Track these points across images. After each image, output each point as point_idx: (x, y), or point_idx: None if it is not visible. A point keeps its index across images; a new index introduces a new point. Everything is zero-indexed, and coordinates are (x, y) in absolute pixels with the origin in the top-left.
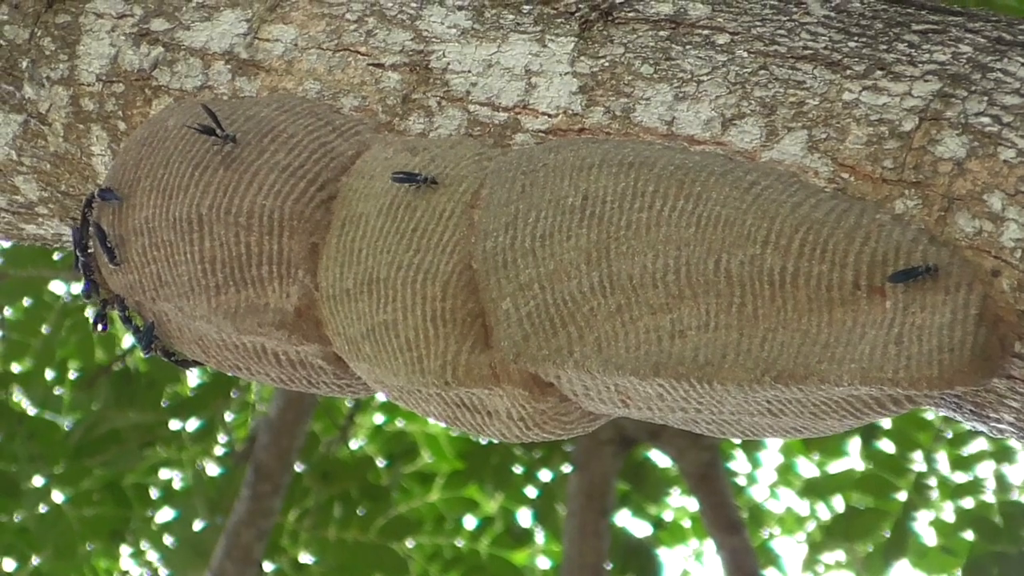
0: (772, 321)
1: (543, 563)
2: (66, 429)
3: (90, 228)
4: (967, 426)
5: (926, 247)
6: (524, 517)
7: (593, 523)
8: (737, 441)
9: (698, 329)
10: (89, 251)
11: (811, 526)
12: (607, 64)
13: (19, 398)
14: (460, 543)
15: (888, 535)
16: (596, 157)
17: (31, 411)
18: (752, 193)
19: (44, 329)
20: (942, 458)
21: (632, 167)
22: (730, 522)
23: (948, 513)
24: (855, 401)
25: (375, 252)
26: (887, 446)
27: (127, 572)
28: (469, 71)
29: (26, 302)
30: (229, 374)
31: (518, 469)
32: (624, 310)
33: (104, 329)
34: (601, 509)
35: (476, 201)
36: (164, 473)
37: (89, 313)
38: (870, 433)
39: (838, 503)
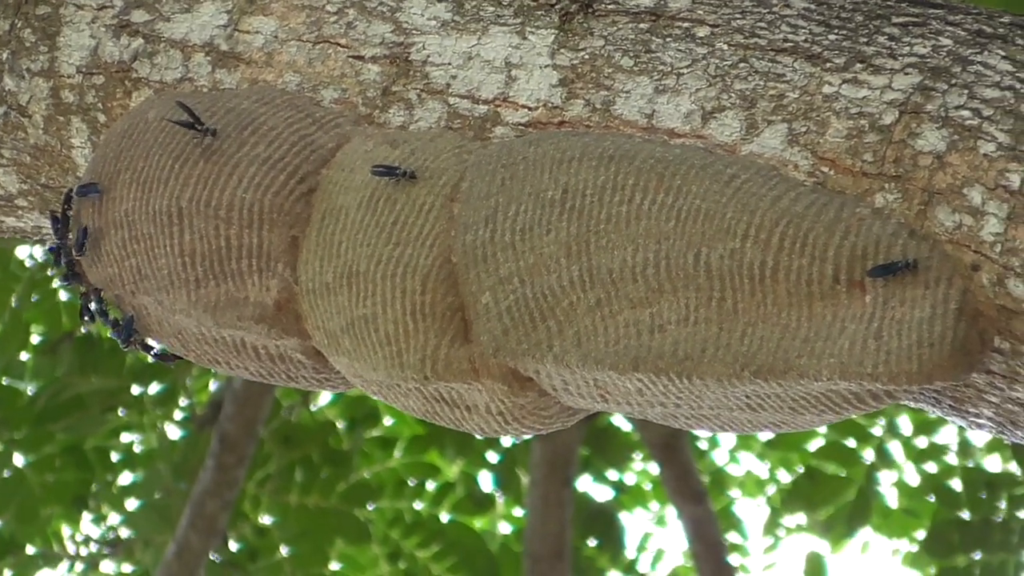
0: (752, 315)
1: (504, 528)
2: (29, 394)
3: (70, 222)
4: (947, 420)
5: (906, 241)
6: (485, 482)
7: (556, 493)
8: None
9: (678, 323)
10: (69, 244)
11: (772, 490)
12: (587, 57)
13: None
14: (420, 507)
15: (851, 500)
16: (576, 150)
17: None
18: (732, 187)
19: (13, 301)
20: (905, 422)
21: (612, 160)
22: (693, 492)
23: (911, 476)
24: (834, 396)
25: (355, 245)
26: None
27: (88, 536)
28: (449, 63)
29: None
30: (207, 367)
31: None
32: (604, 304)
33: (91, 321)
34: (564, 479)
35: (456, 194)
36: (126, 437)
37: (57, 282)
38: None
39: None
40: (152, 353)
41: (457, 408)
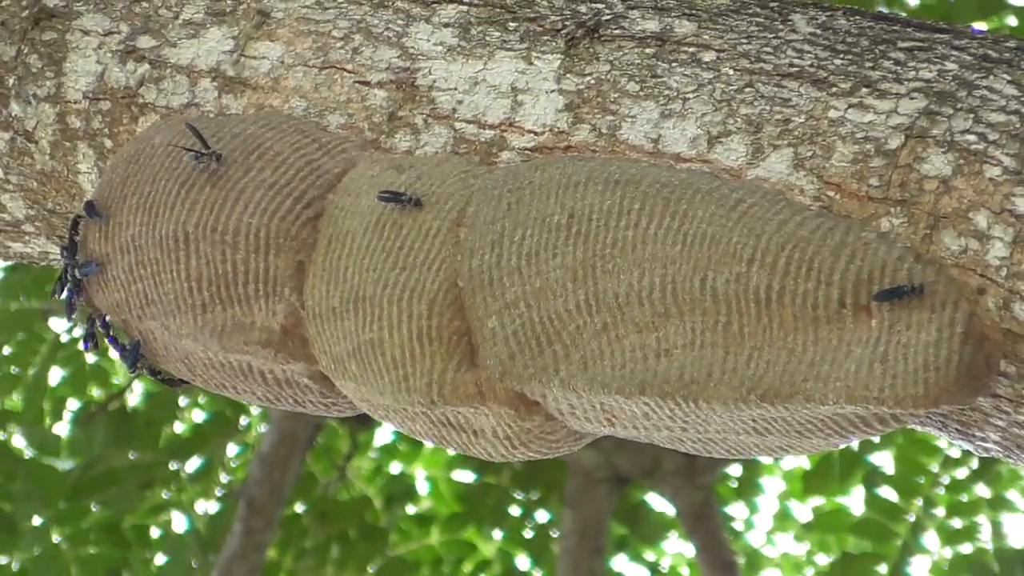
0: (758, 339)
1: None
2: (64, 469)
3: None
4: (954, 444)
5: (912, 265)
6: (522, 563)
7: (587, 562)
8: (733, 476)
9: (684, 347)
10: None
11: (810, 572)
12: (593, 81)
13: (17, 439)
14: None
15: None
16: (582, 175)
17: (28, 453)
18: (738, 211)
19: (37, 364)
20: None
21: (618, 185)
22: (724, 562)
23: (945, 559)
24: (841, 419)
25: (361, 270)
26: (887, 493)
27: None
28: (455, 88)
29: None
30: (215, 393)
31: (515, 511)
32: (610, 328)
33: (96, 347)
34: (594, 548)
35: (462, 219)
36: (163, 516)
37: (82, 345)
38: (871, 480)
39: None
40: (159, 378)
41: (464, 432)
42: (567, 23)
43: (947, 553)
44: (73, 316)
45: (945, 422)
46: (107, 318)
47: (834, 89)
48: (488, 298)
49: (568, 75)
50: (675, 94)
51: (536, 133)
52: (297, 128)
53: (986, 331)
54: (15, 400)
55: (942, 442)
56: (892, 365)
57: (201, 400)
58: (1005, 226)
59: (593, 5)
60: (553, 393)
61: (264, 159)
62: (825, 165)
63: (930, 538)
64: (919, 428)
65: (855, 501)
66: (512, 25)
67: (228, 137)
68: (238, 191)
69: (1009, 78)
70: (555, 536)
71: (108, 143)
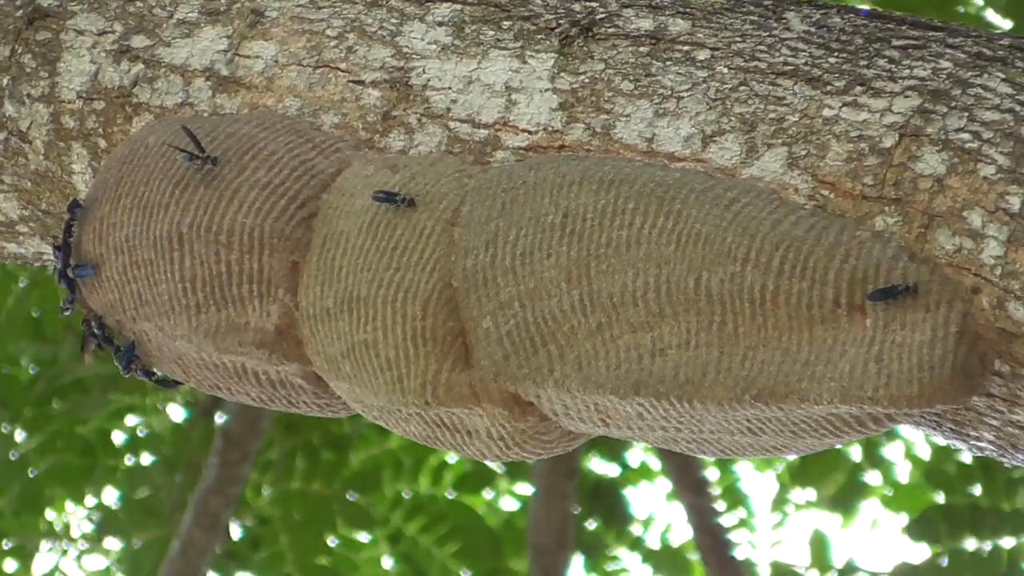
0: (752, 339)
1: (510, 504)
2: (31, 373)
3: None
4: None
5: (906, 265)
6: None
7: (560, 484)
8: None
9: (678, 347)
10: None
11: (780, 466)
12: (587, 80)
13: None
14: (420, 489)
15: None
16: (576, 174)
17: None
18: (732, 210)
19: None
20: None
21: (612, 184)
22: (695, 482)
23: (923, 450)
24: (835, 419)
25: (355, 270)
26: None
27: (90, 516)
28: (449, 88)
29: None
30: (208, 393)
31: None
32: (604, 328)
33: (101, 348)
34: (568, 471)
35: (456, 219)
36: (129, 421)
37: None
38: None
39: None
40: (153, 379)
41: (458, 433)
42: (561, 21)
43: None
44: (68, 313)
45: (939, 421)
46: (102, 319)
47: (828, 87)
48: (482, 298)
49: (562, 74)
50: (669, 93)
51: (530, 132)
52: (291, 128)
53: (980, 330)
54: None
55: None
56: (887, 365)
57: None
58: (999, 225)
59: (587, 3)
60: (547, 393)
61: (258, 159)
62: (819, 164)
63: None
64: (913, 428)
65: None
66: (506, 24)
67: (222, 137)
68: (232, 191)
69: (1003, 76)
70: None
71: (102, 143)
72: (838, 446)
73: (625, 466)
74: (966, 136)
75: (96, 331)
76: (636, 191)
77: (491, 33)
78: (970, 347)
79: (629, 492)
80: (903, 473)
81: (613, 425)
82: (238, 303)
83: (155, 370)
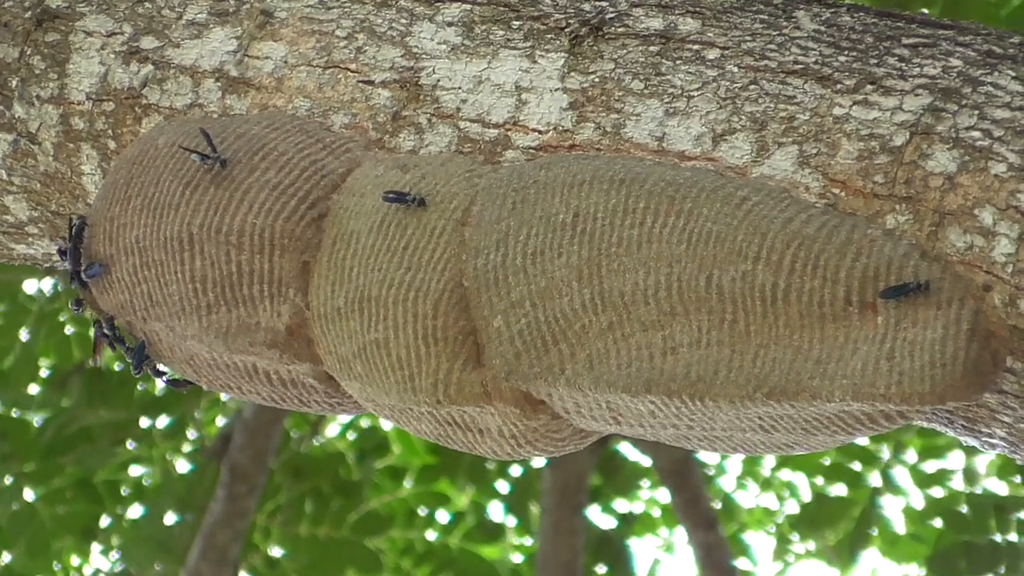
0: (764, 337)
1: (516, 558)
2: (36, 426)
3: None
4: (960, 440)
5: (917, 262)
6: (496, 512)
7: (568, 520)
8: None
9: (690, 346)
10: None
11: (781, 519)
12: (597, 80)
13: None
14: (432, 537)
15: (855, 522)
16: (587, 174)
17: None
18: (743, 209)
19: (23, 335)
20: (911, 447)
21: (623, 183)
22: (704, 518)
23: (917, 501)
24: (847, 417)
25: (366, 270)
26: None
27: (99, 570)
28: (459, 87)
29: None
30: (220, 393)
31: (490, 463)
32: (616, 327)
33: (112, 348)
34: (575, 505)
35: (467, 218)
36: (135, 470)
37: (65, 315)
38: None
39: (806, 494)
40: (164, 379)
41: (470, 431)
42: (571, 21)
43: (919, 496)
44: (78, 312)
45: (951, 418)
46: (113, 320)
47: (839, 86)
48: (493, 297)
49: (572, 73)
50: (679, 92)
51: (540, 132)
52: (301, 128)
53: (992, 327)
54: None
55: None
56: (898, 362)
57: None
58: (1011, 222)
59: (597, 3)
60: (559, 392)
61: (268, 160)
62: (830, 162)
63: (903, 480)
64: (925, 424)
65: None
66: (516, 24)
67: (232, 138)
68: (242, 192)
69: (1014, 74)
70: (529, 483)
71: (112, 144)
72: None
73: (627, 519)
74: (977, 134)
75: (107, 331)
76: (647, 190)
77: (501, 33)
78: (982, 344)
79: (634, 544)
80: (899, 525)
81: (624, 423)
82: (249, 303)
83: (166, 370)
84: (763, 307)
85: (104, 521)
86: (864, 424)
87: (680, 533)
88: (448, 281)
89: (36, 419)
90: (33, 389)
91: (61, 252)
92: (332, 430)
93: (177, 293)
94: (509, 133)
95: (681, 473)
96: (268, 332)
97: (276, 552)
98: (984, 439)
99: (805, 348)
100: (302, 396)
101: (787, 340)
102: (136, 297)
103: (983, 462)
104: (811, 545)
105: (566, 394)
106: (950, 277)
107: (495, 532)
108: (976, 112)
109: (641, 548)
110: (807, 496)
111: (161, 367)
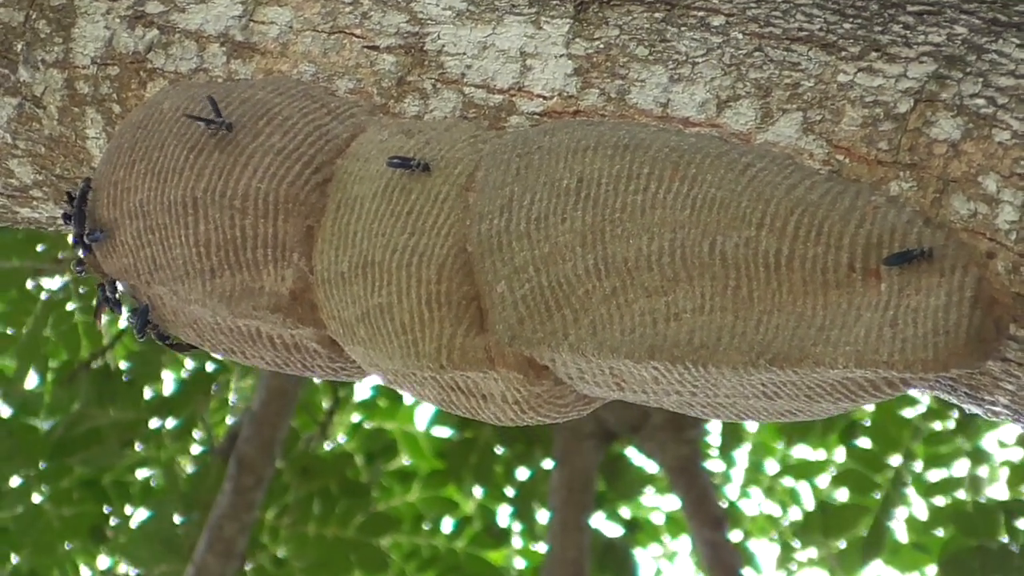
0: (767, 304)
1: (520, 563)
2: (45, 429)
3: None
4: (964, 408)
5: (921, 229)
6: (502, 517)
7: (575, 518)
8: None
9: (693, 312)
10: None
11: (785, 523)
12: (602, 46)
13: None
14: (438, 542)
15: (866, 533)
16: (591, 139)
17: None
18: (747, 175)
19: (25, 327)
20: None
21: (627, 149)
22: (712, 516)
23: (921, 511)
24: (850, 384)
25: (370, 235)
26: (865, 443)
27: (106, 570)
28: (464, 53)
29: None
30: (223, 357)
31: (497, 467)
32: (619, 293)
33: (113, 311)
34: (583, 504)
35: (471, 184)
36: (143, 472)
37: (72, 306)
38: (850, 432)
39: (809, 502)
40: (167, 343)
41: (473, 397)
42: None
43: (922, 505)
44: (83, 274)
45: (954, 386)
46: (116, 284)
47: (843, 53)
48: (497, 263)
49: (577, 39)
50: (684, 58)
51: (545, 98)
52: (306, 93)
53: (995, 295)
54: (8, 362)
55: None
56: (902, 329)
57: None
58: (1014, 190)
59: None
60: (562, 358)
61: (273, 124)
62: (834, 129)
63: (910, 490)
64: (928, 392)
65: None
66: None
67: (237, 102)
68: (247, 156)
69: (1018, 42)
70: (536, 487)
71: (116, 108)
72: (852, 409)
73: (632, 526)
74: (981, 101)
75: (109, 295)
76: (651, 156)
77: None
78: (985, 312)
79: (636, 551)
80: (902, 535)
81: (628, 389)
82: (252, 268)
83: (169, 334)
84: (766, 273)
85: (112, 522)
86: (867, 391)
87: (683, 542)
88: (452, 246)
89: (44, 424)
90: (32, 381)
91: (65, 216)
92: (340, 439)
93: (181, 257)
94: (513, 99)
95: (688, 471)
96: (272, 296)
97: (283, 552)
98: (987, 407)
99: (808, 315)
100: (305, 361)
101: (790, 307)
102: (140, 261)
103: (986, 472)
104: (813, 553)
105: (569, 360)
106: (953, 244)
107: (501, 537)
108: (980, 80)
109: (645, 557)
110: (810, 504)
111: (164, 331)
